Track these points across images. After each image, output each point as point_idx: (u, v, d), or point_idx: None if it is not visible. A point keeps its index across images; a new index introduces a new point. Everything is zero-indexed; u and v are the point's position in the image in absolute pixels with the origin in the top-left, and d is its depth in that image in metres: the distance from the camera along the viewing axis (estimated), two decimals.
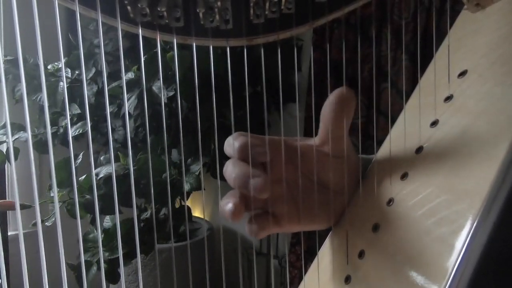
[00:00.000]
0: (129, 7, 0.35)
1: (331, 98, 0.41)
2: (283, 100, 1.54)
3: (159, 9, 0.35)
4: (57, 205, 0.36)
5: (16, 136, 1.48)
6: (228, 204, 0.39)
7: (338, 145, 0.42)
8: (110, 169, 1.41)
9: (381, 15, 1.32)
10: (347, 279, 0.40)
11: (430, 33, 1.17)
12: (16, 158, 1.47)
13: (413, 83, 0.46)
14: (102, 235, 1.46)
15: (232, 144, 0.40)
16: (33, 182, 0.33)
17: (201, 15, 0.36)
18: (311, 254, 0.51)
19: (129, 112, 1.54)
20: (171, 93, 1.50)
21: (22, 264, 0.31)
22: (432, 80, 0.43)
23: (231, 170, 0.40)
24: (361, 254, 0.40)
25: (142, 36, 0.36)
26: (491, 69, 0.38)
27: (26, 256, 0.31)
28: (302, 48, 1.69)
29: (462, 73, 0.41)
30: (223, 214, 0.40)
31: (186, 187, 1.51)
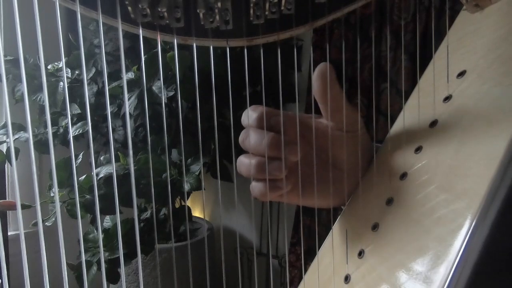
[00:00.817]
0: (129, 8, 0.35)
1: (314, 75, 0.43)
2: (283, 100, 1.54)
3: (159, 9, 0.35)
4: (58, 205, 0.36)
5: (16, 136, 1.48)
6: (257, 186, 0.42)
7: (338, 117, 0.43)
8: (110, 169, 1.40)
9: (381, 15, 1.32)
10: (347, 278, 0.40)
11: (430, 33, 1.17)
12: (16, 158, 1.47)
13: (413, 83, 0.46)
14: (102, 235, 1.46)
15: (250, 114, 0.43)
16: (34, 182, 0.33)
17: (201, 15, 0.36)
18: (311, 254, 0.51)
19: (129, 112, 1.54)
20: (171, 93, 1.50)
21: (23, 264, 0.31)
22: (431, 80, 0.43)
23: (255, 137, 0.42)
24: (360, 253, 0.40)
25: (142, 37, 0.36)
26: (490, 70, 0.39)
27: (26, 256, 0.32)
28: (302, 48, 1.69)
29: (461, 73, 0.41)
30: (254, 194, 0.43)
31: (186, 187, 1.51)
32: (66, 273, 0.34)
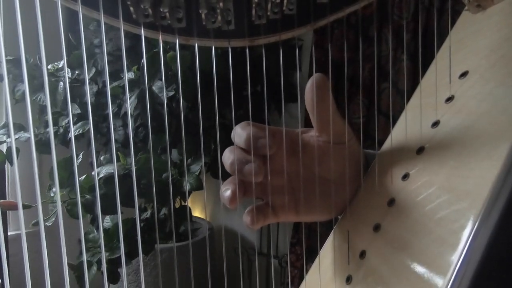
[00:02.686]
0: (131, 8, 0.35)
1: (306, 87, 0.43)
2: (283, 100, 1.54)
3: (161, 10, 0.35)
4: (59, 205, 0.36)
5: (16, 136, 1.48)
6: (226, 191, 0.41)
7: (327, 129, 0.43)
8: (110, 169, 1.40)
9: (381, 15, 1.32)
10: (348, 279, 0.40)
11: (430, 33, 1.18)
12: (16, 158, 1.47)
13: (413, 83, 0.46)
14: (100, 236, 1.45)
15: (239, 133, 0.42)
16: (36, 182, 0.33)
17: (203, 16, 0.36)
18: (311, 254, 0.51)
19: (127, 112, 1.54)
20: (171, 93, 1.50)
21: (25, 264, 0.31)
22: (433, 80, 0.43)
23: (227, 156, 0.42)
24: (362, 254, 0.40)
25: (144, 36, 0.36)
26: (492, 70, 0.38)
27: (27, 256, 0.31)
28: (302, 48, 1.69)
29: (463, 74, 0.41)
30: (222, 200, 0.42)
31: (186, 187, 1.50)
32: (67, 273, 0.34)
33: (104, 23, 0.35)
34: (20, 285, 0.33)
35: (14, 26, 0.30)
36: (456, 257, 0.31)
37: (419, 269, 0.34)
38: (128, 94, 1.50)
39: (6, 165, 1.48)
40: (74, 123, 1.58)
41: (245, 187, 0.42)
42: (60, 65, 1.59)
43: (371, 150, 0.48)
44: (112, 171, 1.41)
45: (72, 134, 0.39)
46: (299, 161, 0.44)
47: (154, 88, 1.48)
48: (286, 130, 0.44)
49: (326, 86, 0.42)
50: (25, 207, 1.14)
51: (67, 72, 1.58)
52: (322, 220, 0.46)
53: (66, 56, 1.62)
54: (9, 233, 1.53)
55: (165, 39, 0.37)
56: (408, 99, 0.46)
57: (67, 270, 0.34)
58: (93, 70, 1.65)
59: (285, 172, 0.44)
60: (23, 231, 0.32)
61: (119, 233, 0.36)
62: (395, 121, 0.47)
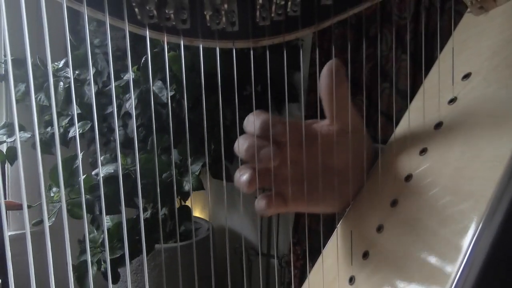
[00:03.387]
0: (136, 9, 0.35)
1: (322, 72, 0.42)
2: (284, 100, 1.54)
3: (166, 11, 0.35)
4: (64, 205, 0.36)
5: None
6: (243, 175, 0.41)
7: (343, 118, 0.43)
8: (110, 169, 1.40)
9: (381, 15, 1.32)
10: (351, 280, 0.40)
11: (430, 33, 1.18)
12: (16, 158, 1.47)
13: (413, 83, 0.46)
14: (102, 236, 1.45)
15: (252, 121, 0.42)
16: (41, 182, 0.33)
17: (207, 17, 0.36)
18: (311, 254, 0.52)
19: (129, 112, 1.54)
20: (171, 93, 1.50)
21: (29, 264, 0.31)
22: (435, 82, 0.43)
23: (241, 143, 0.42)
24: (365, 255, 0.40)
25: (144, 36, 0.36)
26: (495, 72, 0.39)
27: (26, 256, 0.32)
28: (302, 49, 1.69)
29: (466, 76, 0.41)
30: (238, 185, 0.42)
31: (186, 187, 1.51)
32: (71, 273, 0.34)
33: (105, 23, 0.35)
34: (21, 285, 0.33)
35: (13, 26, 0.30)
36: (460, 258, 0.32)
37: (423, 270, 0.34)
38: (127, 95, 1.50)
39: (6, 165, 1.49)
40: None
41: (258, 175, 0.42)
42: (60, 65, 1.59)
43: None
44: (112, 171, 1.41)
45: (76, 133, 0.39)
46: (310, 151, 0.44)
47: (154, 88, 1.48)
48: (298, 121, 0.44)
49: (343, 72, 0.42)
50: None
51: (67, 72, 1.58)
52: (330, 211, 0.46)
53: (67, 56, 1.62)
54: (9, 233, 1.53)
55: (169, 40, 0.37)
56: (409, 99, 0.46)
57: (66, 270, 0.34)
58: (93, 70, 1.65)
59: (299, 162, 0.43)
60: (28, 231, 0.32)
61: (123, 233, 0.36)
62: (395, 121, 0.47)
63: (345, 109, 0.43)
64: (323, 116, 0.45)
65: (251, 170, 0.41)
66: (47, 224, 0.34)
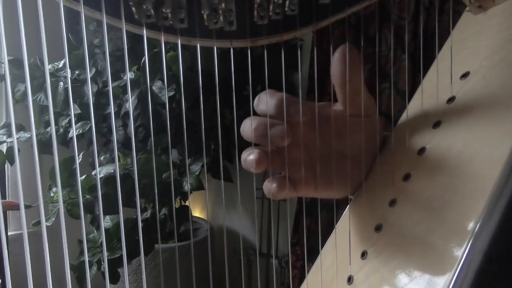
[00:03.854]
0: (133, 8, 0.35)
1: (335, 56, 0.41)
2: None
3: (163, 10, 0.35)
4: (61, 205, 0.36)
5: (16, 136, 1.48)
6: (251, 154, 0.39)
7: (356, 101, 0.42)
8: (110, 169, 1.40)
9: (381, 15, 1.32)
10: (350, 279, 0.40)
11: (430, 33, 1.18)
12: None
13: (413, 83, 0.46)
14: (102, 236, 1.46)
15: (265, 100, 0.40)
16: (38, 182, 0.33)
17: (205, 16, 0.36)
18: (311, 254, 0.51)
19: (129, 112, 1.54)
20: (171, 93, 1.50)
21: (26, 264, 0.31)
22: (434, 81, 0.43)
23: (248, 123, 0.40)
24: (363, 254, 0.40)
25: (142, 36, 0.36)
26: (494, 71, 0.39)
27: (25, 256, 0.31)
28: (302, 48, 1.69)
29: (465, 75, 0.41)
30: (245, 164, 0.40)
31: (186, 187, 1.51)
32: (69, 273, 0.34)
33: (105, 24, 0.35)
34: (20, 286, 0.33)
35: (13, 26, 0.30)
36: (458, 257, 0.31)
37: (421, 269, 0.34)
38: (127, 95, 1.50)
39: (6, 165, 1.49)
40: (75, 123, 1.58)
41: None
42: (60, 65, 1.59)
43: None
44: (112, 171, 1.41)
45: (74, 133, 0.39)
46: (322, 135, 0.43)
47: (154, 88, 1.48)
48: (310, 102, 0.42)
49: (357, 56, 0.40)
50: (25, 207, 1.14)
51: (67, 72, 1.58)
52: (340, 196, 0.45)
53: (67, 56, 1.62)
54: (9, 233, 1.53)
55: (167, 39, 0.37)
56: (409, 99, 0.46)
57: (68, 270, 0.34)
58: (93, 70, 1.65)
59: (310, 145, 0.42)
60: (25, 232, 0.32)
61: (121, 233, 0.36)
62: (395, 121, 0.47)
63: (359, 94, 0.42)
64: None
65: (259, 149, 0.39)
66: (44, 224, 0.34)
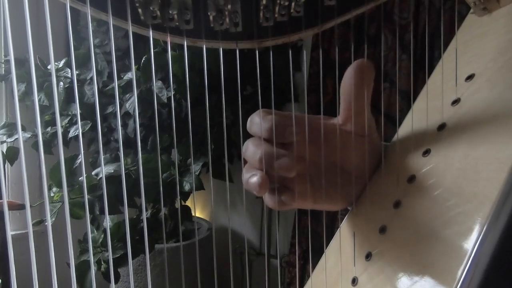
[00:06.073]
0: (140, 10, 0.35)
1: (350, 70, 0.40)
2: (283, 100, 1.55)
3: (169, 11, 0.35)
4: (66, 205, 0.36)
5: (16, 136, 1.48)
6: (254, 177, 0.39)
7: (360, 120, 0.42)
8: (111, 169, 1.40)
9: (382, 15, 1.33)
10: (354, 281, 0.40)
11: (430, 33, 1.18)
12: (16, 158, 1.47)
13: (413, 83, 0.46)
14: (102, 236, 1.46)
15: (258, 123, 0.40)
16: (43, 181, 0.33)
17: (211, 18, 0.36)
18: (311, 254, 0.51)
19: (129, 112, 1.54)
20: (169, 93, 1.50)
21: (31, 263, 0.31)
22: (438, 83, 0.43)
23: (253, 150, 0.40)
24: (368, 256, 0.40)
25: (143, 36, 0.36)
26: (500, 73, 0.39)
27: (26, 256, 0.31)
28: (302, 48, 1.69)
29: (470, 77, 0.41)
30: (246, 186, 0.40)
31: (186, 187, 1.51)
32: (74, 273, 0.34)
33: (105, 23, 0.35)
34: (19, 286, 0.33)
35: (13, 27, 0.30)
36: (464, 260, 0.31)
37: (426, 271, 0.34)
38: (127, 95, 1.50)
39: (6, 165, 1.48)
40: (75, 123, 1.58)
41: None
42: (60, 65, 1.59)
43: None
44: (112, 171, 1.41)
45: (80, 133, 0.38)
46: (319, 149, 0.42)
47: (154, 88, 1.48)
48: (308, 116, 0.42)
49: (372, 73, 0.40)
50: (23, 207, 1.14)
51: (68, 72, 1.58)
52: (335, 209, 0.45)
53: (66, 56, 1.62)
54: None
55: (172, 40, 0.37)
56: (409, 100, 0.46)
57: (66, 270, 0.34)
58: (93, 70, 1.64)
59: (304, 159, 0.42)
60: (30, 231, 0.32)
61: (127, 233, 0.36)
62: (395, 121, 0.47)
63: (363, 112, 0.41)
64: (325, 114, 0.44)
65: (260, 172, 0.39)
66: (49, 223, 0.34)
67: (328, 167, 0.43)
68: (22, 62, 1.61)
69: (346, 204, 0.45)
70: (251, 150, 0.40)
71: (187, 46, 0.38)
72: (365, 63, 0.40)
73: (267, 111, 0.41)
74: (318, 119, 0.44)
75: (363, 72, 0.40)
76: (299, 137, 0.40)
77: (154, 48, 1.40)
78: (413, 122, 0.44)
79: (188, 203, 1.67)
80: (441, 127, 0.40)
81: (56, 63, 1.62)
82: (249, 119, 0.42)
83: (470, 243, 0.32)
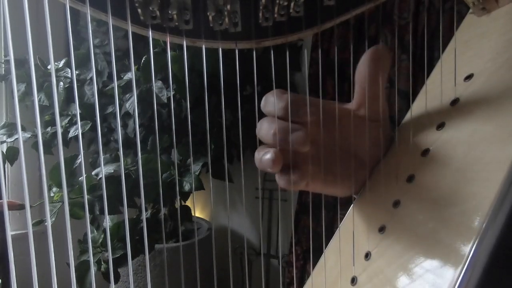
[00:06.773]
0: (139, 10, 0.35)
1: (366, 55, 0.40)
2: None
3: (169, 12, 0.36)
4: (66, 206, 0.36)
5: (16, 137, 1.48)
6: (267, 154, 0.39)
7: (374, 106, 0.42)
8: (110, 169, 1.40)
9: (381, 15, 1.33)
10: (353, 280, 0.40)
11: (430, 33, 1.18)
12: (16, 158, 1.47)
13: (414, 83, 0.46)
14: (102, 236, 1.46)
15: (273, 102, 0.40)
16: (43, 182, 0.33)
17: (210, 18, 0.36)
18: (311, 254, 0.51)
19: (129, 112, 1.54)
20: (169, 93, 1.51)
21: (31, 264, 0.31)
22: (437, 83, 0.43)
23: (268, 126, 0.40)
24: (367, 255, 0.40)
25: (143, 36, 0.36)
26: (498, 73, 0.39)
27: (26, 256, 0.32)
28: (302, 48, 1.69)
29: (469, 77, 0.41)
30: (260, 164, 0.40)
31: (186, 187, 1.51)
32: (73, 273, 0.34)
33: (105, 23, 0.35)
34: (18, 286, 0.33)
35: (13, 27, 0.30)
36: (464, 257, 0.32)
37: (426, 270, 0.34)
38: (127, 95, 1.50)
39: (6, 165, 1.48)
40: (75, 123, 1.58)
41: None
42: (60, 65, 1.59)
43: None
44: (112, 171, 1.41)
45: (79, 133, 0.39)
46: (332, 132, 0.42)
47: (154, 88, 1.49)
48: (317, 100, 0.42)
49: (388, 59, 0.40)
50: (22, 207, 1.14)
51: (67, 72, 1.58)
52: (343, 195, 0.45)
53: (66, 57, 1.62)
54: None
55: (172, 40, 0.37)
56: (409, 100, 0.46)
57: (65, 271, 0.34)
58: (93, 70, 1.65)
59: (320, 142, 0.42)
60: (30, 231, 0.32)
61: (126, 233, 0.36)
62: (394, 121, 0.47)
63: (377, 98, 0.42)
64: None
65: (274, 149, 0.39)
66: (49, 224, 0.34)
67: (340, 150, 0.43)
68: (22, 62, 1.61)
69: (357, 189, 0.45)
70: (265, 126, 0.40)
71: (186, 46, 0.38)
72: (381, 49, 0.40)
73: (281, 91, 0.41)
74: (332, 103, 0.44)
75: (378, 58, 0.40)
76: (313, 118, 0.40)
77: (154, 48, 1.40)
78: (412, 121, 0.44)
79: (188, 203, 1.67)
80: (440, 126, 0.40)
81: (56, 63, 1.62)
82: (263, 98, 0.42)
83: (469, 242, 0.32)
